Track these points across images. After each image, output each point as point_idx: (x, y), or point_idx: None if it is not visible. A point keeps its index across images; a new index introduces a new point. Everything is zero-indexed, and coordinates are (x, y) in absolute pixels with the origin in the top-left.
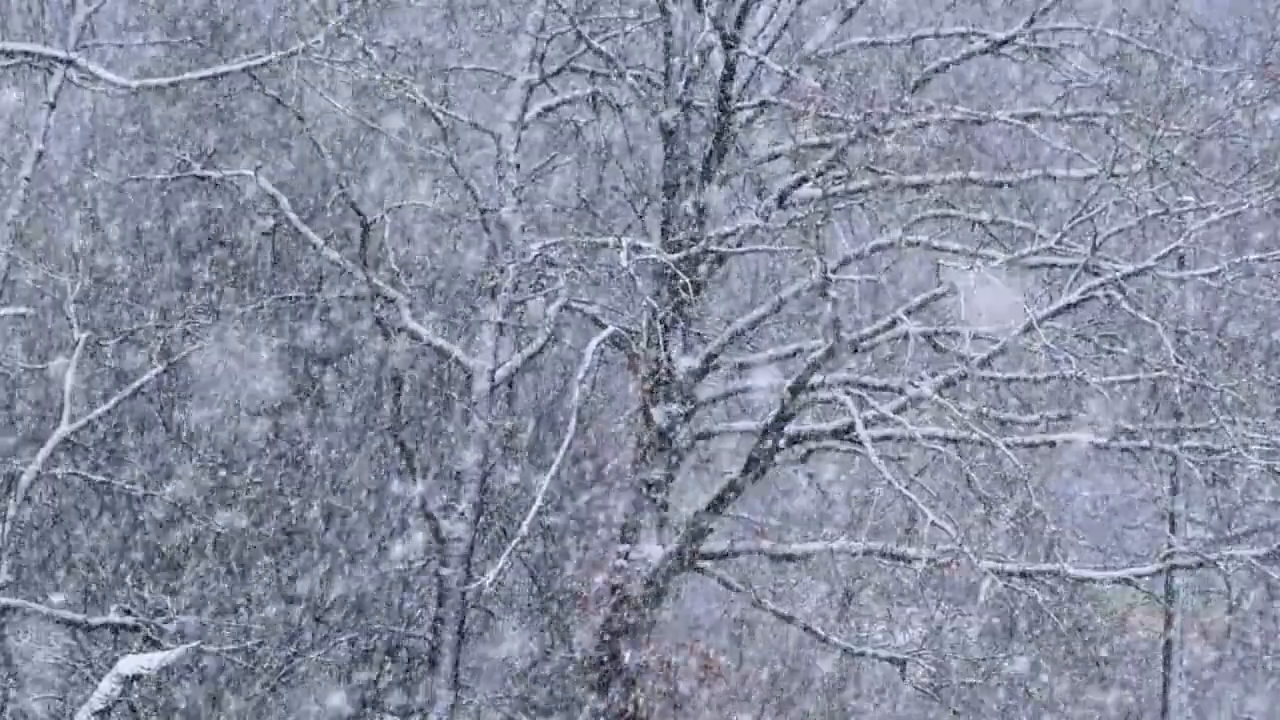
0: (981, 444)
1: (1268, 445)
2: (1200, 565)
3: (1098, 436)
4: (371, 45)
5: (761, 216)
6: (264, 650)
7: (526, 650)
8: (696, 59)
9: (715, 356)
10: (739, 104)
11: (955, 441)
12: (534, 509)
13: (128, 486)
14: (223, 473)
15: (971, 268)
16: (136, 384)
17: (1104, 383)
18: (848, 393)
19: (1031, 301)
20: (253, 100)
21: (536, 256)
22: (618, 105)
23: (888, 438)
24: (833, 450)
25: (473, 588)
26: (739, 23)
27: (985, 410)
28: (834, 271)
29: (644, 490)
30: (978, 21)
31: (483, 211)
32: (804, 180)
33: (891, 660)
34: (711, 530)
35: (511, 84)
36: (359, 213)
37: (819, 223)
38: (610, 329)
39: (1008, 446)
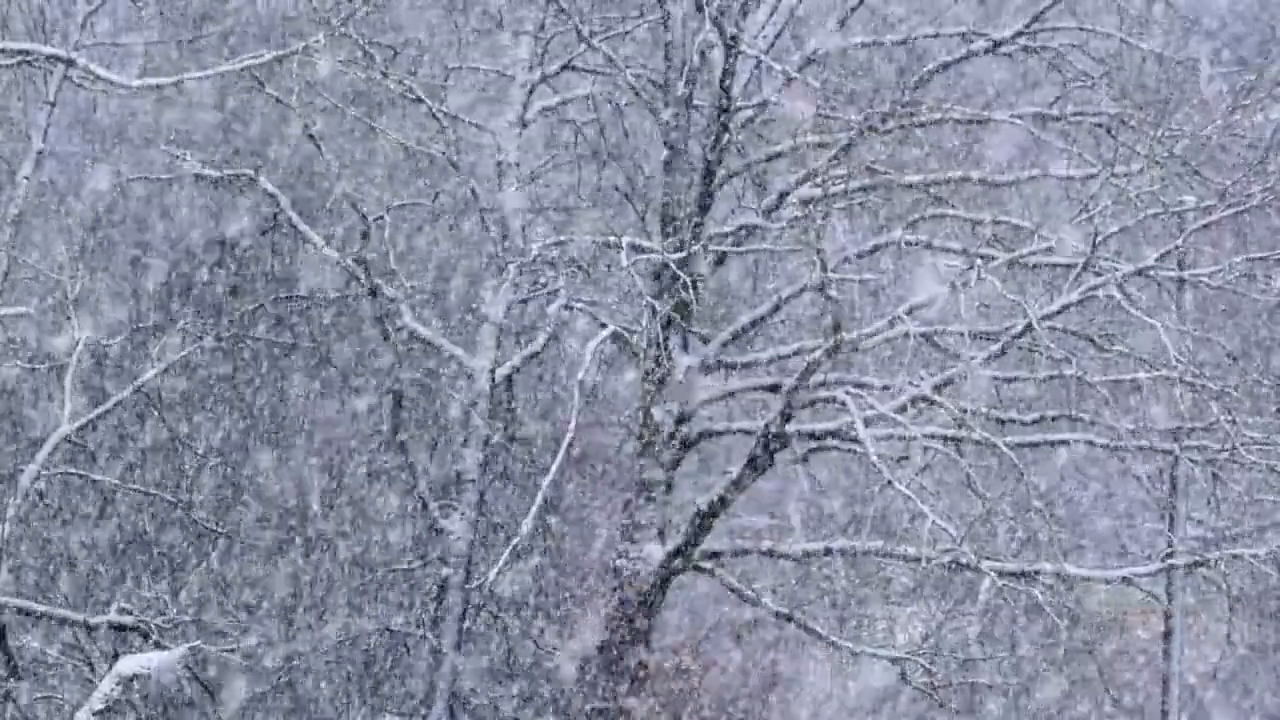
0: (981, 444)
1: (1268, 445)
2: (1200, 565)
3: (1097, 436)
4: (371, 45)
5: (761, 216)
6: (264, 650)
7: (527, 650)
8: (696, 59)
9: (715, 356)
10: (739, 104)
11: (956, 441)
12: (534, 509)
13: (128, 486)
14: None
15: (971, 267)
16: (136, 383)
17: (1104, 382)
18: (848, 393)
19: (1031, 301)
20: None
21: (536, 256)
22: (618, 105)
23: (888, 437)
24: (833, 450)
25: (473, 587)
26: (739, 22)
27: (985, 410)
28: (834, 271)
29: (644, 490)
30: (978, 21)
31: (483, 211)
32: (804, 180)
33: (891, 660)
34: (711, 530)
35: (511, 84)
36: (359, 212)
37: (819, 222)
38: (610, 329)
39: (1008, 446)
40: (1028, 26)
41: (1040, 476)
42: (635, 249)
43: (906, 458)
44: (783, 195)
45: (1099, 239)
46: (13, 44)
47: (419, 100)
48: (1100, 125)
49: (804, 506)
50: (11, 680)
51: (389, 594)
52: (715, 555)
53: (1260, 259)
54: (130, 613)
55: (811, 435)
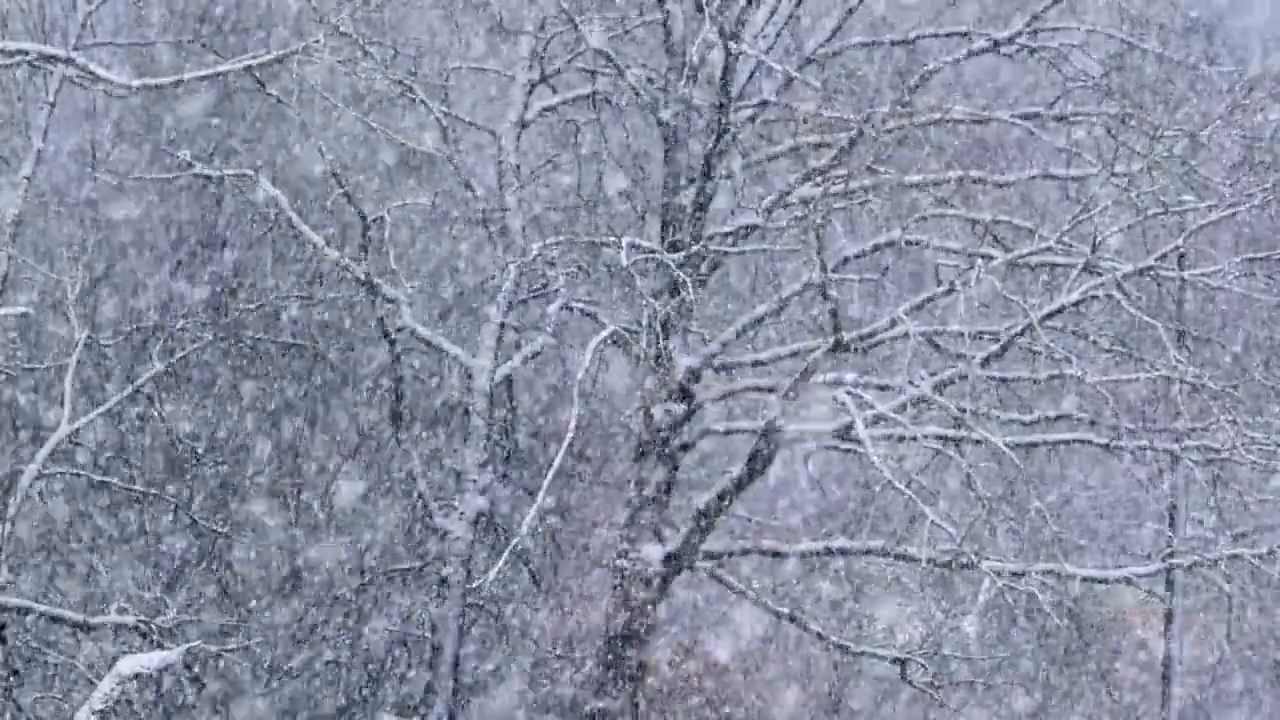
0: (981, 443)
1: (1268, 445)
2: (1200, 565)
3: (1098, 436)
4: (372, 45)
5: (761, 216)
6: (264, 649)
7: (527, 650)
8: (696, 59)
9: (715, 356)
10: (739, 104)
11: (955, 441)
12: (534, 509)
13: (128, 486)
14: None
15: (971, 267)
16: (137, 384)
17: (1104, 382)
18: (848, 393)
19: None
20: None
21: (536, 256)
22: (618, 105)
23: (888, 437)
24: (833, 450)
25: (473, 588)
26: (739, 22)
27: (985, 410)
28: (834, 271)
29: (644, 490)
30: (978, 21)
31: (483, 211)
32: (804, 180)
33: (891, 660)
34: (711, 530)
35: (511, 84)
36: (359, 212)
37: (819, 223)
38: (610, 329)
39: (1008, 446)
40: (1028, 26)
41: (1040, 476)
42: (635, 249)
43: (906, 457)
44: (783, 195)
45: (1099, 239)
46: (13, 44)
47: (419, 100)
48: (1100, 125)
49: (804, 506)
50: (12, 680)
51: (389, 594)
52: (715, 555)
53: (1261, 259)
54: (130, 613)
55: (811, 435)
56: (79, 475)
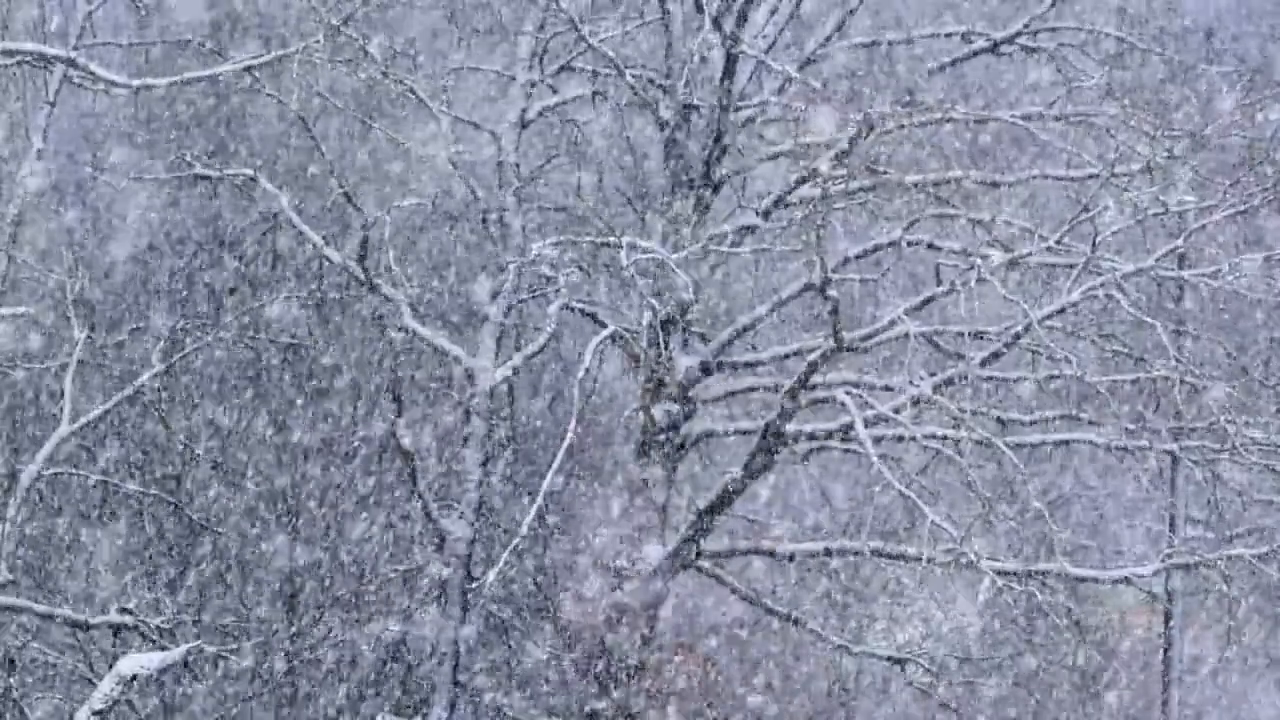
0: (981, 444)
1: (1267, 445)
2: (1200, 565)
3: (1098, 436)
4: (372, 44)
5: (761, 216)
6: (264, 650)
7: (527, 650)
8: (696, 59)
9: (715, 356)
10: (739, 104)
11: (955, 441)
12: (534, 509)
13: (128, 486)
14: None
15: (971, 267)
16: (137, 384)
17: (1104, 382)
18: (848, 393)
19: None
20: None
21: (536, 256)
22: (618, 105)
23: (887, 437)
24: (833, 450)
25: (473, 588)
26: (739, 23)
27: (985, 410)
28: (834, 271)
29: (644, 490)
30: (978, 21)
31: (483, 211)
32: (804, 180)
33: (891, 660)
34: (712, 530)
35: (511, 84)
36: (359, 212)
37: (819, 223)
38: (610, 329)
39: (1008, 446)
40: (1028, 26)
41: (1041, 476)
42: (635, 249)
43: (902, 458)
44: (783, 195)
45: (1099, 239)
46: (13, 44)
47: (419, 101)
48: (1100, 125)
49: (804, 506)
50: (11, 680)
51: (389, 594)
52: (715, 555)
53: (1263, 259)
54: (130, 613)
55: (811, 435)
56: (79, 475)
